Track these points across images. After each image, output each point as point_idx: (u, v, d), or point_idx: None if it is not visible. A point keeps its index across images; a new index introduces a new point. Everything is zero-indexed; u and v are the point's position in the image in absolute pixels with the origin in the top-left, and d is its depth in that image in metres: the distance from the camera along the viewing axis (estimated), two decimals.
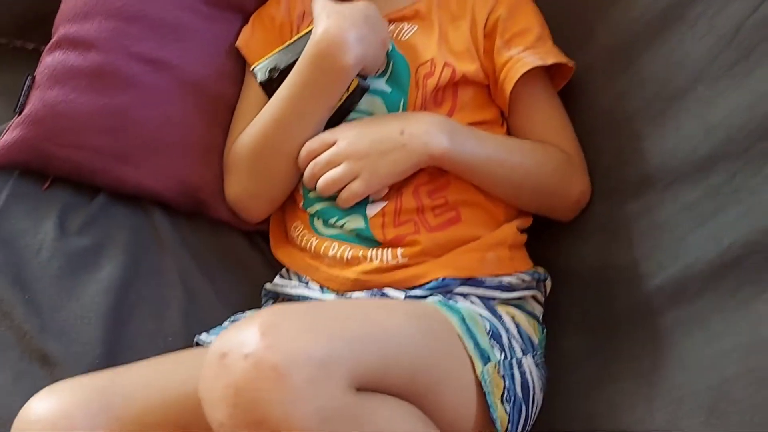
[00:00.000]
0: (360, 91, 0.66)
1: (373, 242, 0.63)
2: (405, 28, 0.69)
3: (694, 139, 0.60)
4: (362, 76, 0.65)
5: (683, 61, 0.63)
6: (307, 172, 0.64)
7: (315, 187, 0.64)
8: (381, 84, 0.67)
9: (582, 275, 0.69)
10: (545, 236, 0.72)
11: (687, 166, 0.61)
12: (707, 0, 0.61)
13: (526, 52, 0.66)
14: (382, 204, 0.63)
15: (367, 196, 0.63)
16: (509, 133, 0.70)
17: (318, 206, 0.65)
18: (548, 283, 0.68)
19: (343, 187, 0.62)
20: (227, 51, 0.73)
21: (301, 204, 0.67)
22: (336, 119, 0.66)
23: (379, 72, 0.67)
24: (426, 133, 0.61)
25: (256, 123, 0.66)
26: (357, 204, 0.63)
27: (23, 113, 0.65)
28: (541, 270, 0.67)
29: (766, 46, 0.55)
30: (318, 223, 0.66)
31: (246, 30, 0.73)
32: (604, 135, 0.70)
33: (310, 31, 0.65)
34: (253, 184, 0.68)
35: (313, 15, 0.64)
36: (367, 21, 0.63)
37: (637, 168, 0.65)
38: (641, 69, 0.66)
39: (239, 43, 0.73)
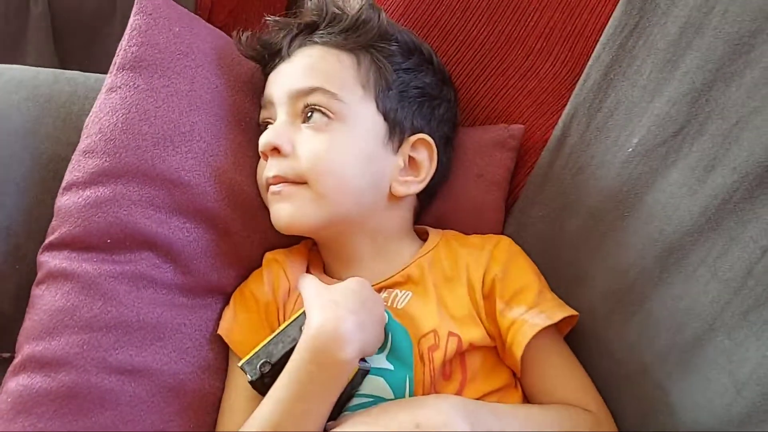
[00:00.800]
0: (361, 375, 0.60)
1: None
2: (399, 296, 0.66)
3: (726, 395, 0.57)
4: (361, 358, 0.60)
5: (693, 307, 0.61)
6: None
7: None
8: (382, 361, 0.62)
9: None
10: None
11: (726, 425, 0.56)
12: (705, 245, 0.61)
13: (530, 312, 0.63)
14: None
15: None
16: (524, 394, 0.65)
17: None
18: None
19: None
20: (210, 340, 0.67)
21: None
22: (335, 410, 0.60)
23: (378, 348, 0.62)
24: (444, 424, 0.55)
25: (252, 427, 0.58)
26: None
27: None
28: None
29: None
30: None
31: (227, 314, 0.69)
32: (622, 387, 0.66)
33: (301, 315, 0.60)
34: None
35: (304, 302, 0.60)
36: (364, 304, 0.59)
37: (671, 425, 0.60)
38: (648, 316, 0.64)
39: (221, 330, 0.68)
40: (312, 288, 0.61)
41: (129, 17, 0.70)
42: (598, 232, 0.69)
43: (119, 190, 0.65)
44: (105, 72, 0.71)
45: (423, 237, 0.74)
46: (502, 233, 0.78)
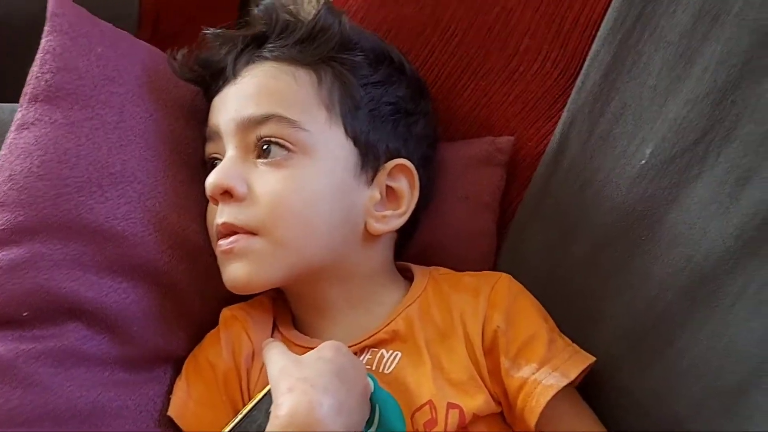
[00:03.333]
0: None
1: None
2: (386, 357, 0.55)
3: None
4: None
5: (734, 347, 0.51)
6: None
7: None
8: None
9: None
10: None
11: None
12: (743, 274, 0.51)
13: (542, 371, 0.53)
14: None
15: None
16: None
17: None
18: None
19: None
20: (159, 423, 0.56)
21: None
22: None
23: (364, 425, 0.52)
24: None
25: None
26: None
27: None
28: None
29: None
30: None
31: (179, 389, 0.57)
32: None
33: (267, 395, 0.49)
34: None
35: (269, 380, 0.49)
36: (340, 376, 0.48)
37: None
38: (678, 359, 0.54)
39: (173, 410, 0.56)
40: (277, 362, 0.50)
41: None
42: (609, 260, 0.59)
43: (37, 249, 0.53)
44: None
45: (406, 275, 0.63)
46: (495, 262, 0.68)
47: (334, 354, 0.50)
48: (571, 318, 0.60)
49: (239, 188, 0.54)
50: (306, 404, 0.45)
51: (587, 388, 0.58)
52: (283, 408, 0.45)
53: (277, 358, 0.50)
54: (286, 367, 0.48)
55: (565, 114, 0.64)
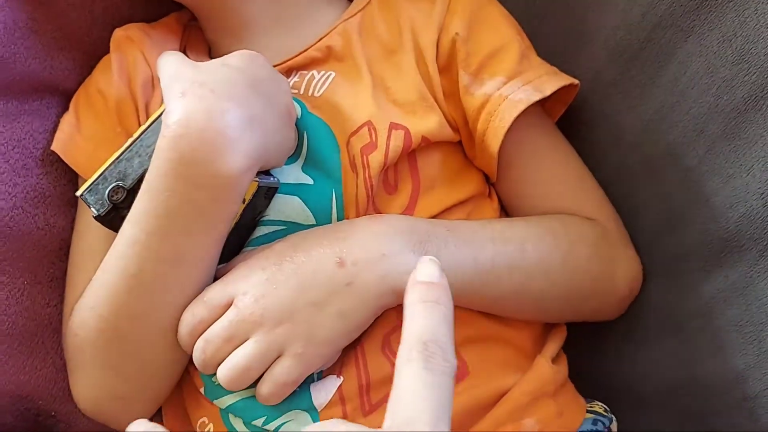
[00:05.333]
0: (264, 195, 0.40)
1: None
2: (316, 78, 0.44)
3: None
4: (264, 171, 0.40)
5: (749, 51, 0.40)
6: (196, 357, 0.38)
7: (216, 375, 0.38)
8: (295, 173, 0.42)
9: (653, 399, 0.46)
10: (585, 345, 0.48)
11: None
12: None
13: (510, 84, 0.42)
14: (336, 382, 0.38)
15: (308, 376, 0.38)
16: (501, 206, 0.46)
17: (230, 399, 0.39)
18: (614, 426, 0.44)
19: (262, 374, 0.37)
20: (40, 161, 0.45)
21: (202, 390, 0.41)
22: (232, 245, 0.41)
23: (288, 156, 0.42)
24: (382, 256, 0.37)
25: (101, 282, 0.39)
26: (295, 393, 0.38)
27: None
28: (600, 408, 0.43)
29: None
30: (237, 423, 0.40)
31: (66, 122, 0.46)
32: (638, 180, 0.47)
33: (162, 115, 0.39)
34: (113, 379, 0.40)
35: (162, 89, 0.38)
36: (255, 87, 0.37)
37: (709, 225, 0.42)
38: (679, 73, 0.43)
39: (57, 145, 0.46)
40: (171, 67, 0.38)
41: None
42: None
43: None
44: None
45: None
46: None
47: (246, 63, 0.39)
48: (552, 38, 0.49)
49: None
50: (203, 112, 0.35)
51: (566, 122, 0.49)
52: (174, 115, 0.35)
53: (171, 64, 0.38)
54: (180, 71, 0.37)
55: None
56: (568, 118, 0.48)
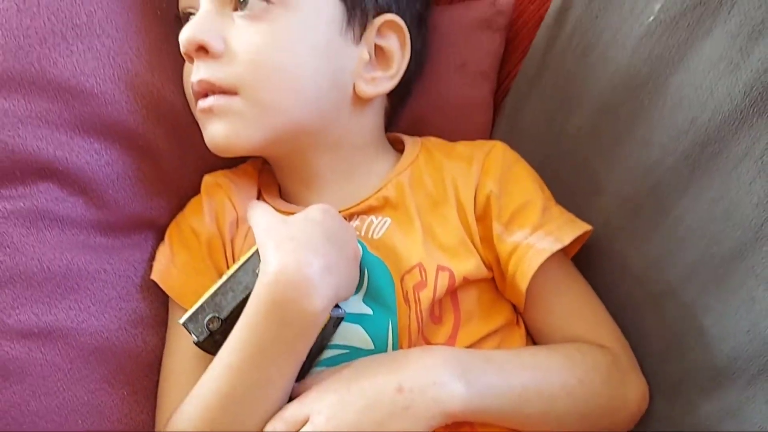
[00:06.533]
0: (333, 324, 0.49)
1: None
2: (375, 223, 0.53)
3: None
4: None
5: (733, 211, 0.49)
6: None
7: None
8: (358, 305, 0.50)
9: None
10: None
11: None
12: (749, 135, 0.48)
13: (536, 235, 0.51)
14: None
15: None
16: (527, 330, 0.54)
17: None
18: None
19: None
20: (140, 288, 0.54)
21: None
22: (303, 367, 0.49)
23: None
24: (433, 384, 0.44)
25: (197, 399, 0.46)
26: None
27: None
28: None
29: None
30: None
31: (162, 254, 0.55)
32: (644, 311, 0.55)
33: (254, 256, 0.47)
34: None
35: (256, 240, 0.47)
36: (331, 238, 0.46)
37: (704, 354, 0.50)
38: (677, 225, 0.52)
39: (156, 274, 0.54)
40: (263, 221, 0.47)
41: None
42: (611, 127, 0.56)
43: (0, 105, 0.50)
44: None
45: (398, 147, 0.60)
46: (491, 135, 0.66)
47: (322, 216, 0.48)
48: (569, 189, 0.58)
49: (215, 43, 0.50)
50: (294, 263, 0.43)
51: (581, 259, 0.57)
52: (270, 266, 0.43)
53: (263, 218, 0.47)
54: (273, 226, 0.46)
55: None
56: (584, 255, 0.57)
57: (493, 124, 0.65)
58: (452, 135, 0.62)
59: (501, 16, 0.62)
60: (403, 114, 0.64)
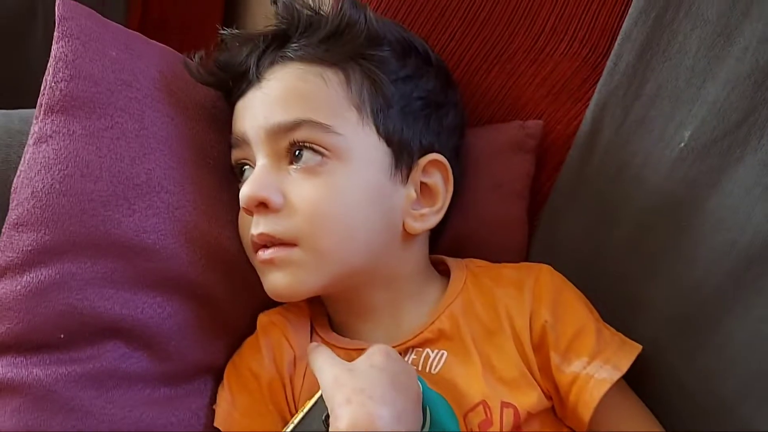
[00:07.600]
0: None
1: None
2: (432, 357, 0.55)
3: None
4: None
5: None
6: None
7: None
8: None
9: None
10: None
11: None
12: None
13: (594, 365, 0.52)
14: None
15: None
16: None
17: None
18: None
19: None
20: None
21: None
22: None
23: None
24: None
25: None
26: None
27: None
28: None
29: None
30: None
31: (223, 399, 0.56)
32: (700, 426, 0.56)
33: (319, 402, 0.48)
34: None
35: (322, 392, 0.48)
36: (395, 384, 0.47)
37: None
38: (726, 341, 0.54)
39: (219, 421, 0.55)
40: (329, 370, 0.48)
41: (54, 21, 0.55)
42: (651, 245, 0.58)
43: (66, 269, 0.51)
44: (29, 101, 0.56)
45: (440, 268, 0.62)
46: (528, 251, 0.67)
47: (385, 361, 0.49)
48: (612, 305, 0.59)
49: (275, 199, 0.52)
50: (366, 417, 0.44)
51: (631, 375, 0.58)
52: (343, 420, 0.44)
53: (328, 367, 0.48)
54: (340, 377, 0.47)
55: (596, 96, 0.63)
56: (635, 371, 0.58)
57: (529, 239, 0.68)
58: (491, 251, 0.64)
59: (531, 138, 0.65)
60: (443, 235, 0.65)
